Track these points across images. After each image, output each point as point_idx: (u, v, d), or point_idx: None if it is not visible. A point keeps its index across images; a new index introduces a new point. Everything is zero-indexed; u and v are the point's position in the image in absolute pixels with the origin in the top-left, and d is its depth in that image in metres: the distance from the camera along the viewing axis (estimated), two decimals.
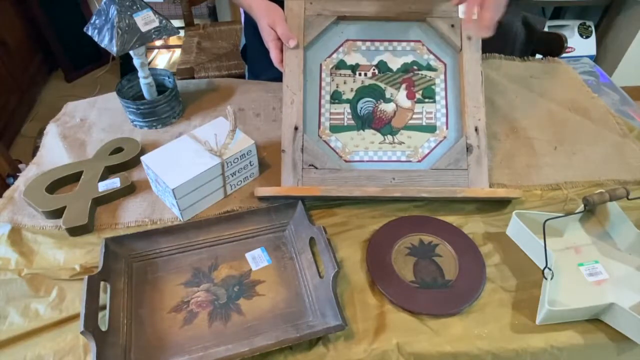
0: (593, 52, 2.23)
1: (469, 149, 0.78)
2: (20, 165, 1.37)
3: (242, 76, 1.51)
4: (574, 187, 0.85)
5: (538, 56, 1.25)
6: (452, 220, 0.78)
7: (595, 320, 0.65)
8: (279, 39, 0.79)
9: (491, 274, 0.71)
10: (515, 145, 0.93)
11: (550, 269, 0.67)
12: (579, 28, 2.21)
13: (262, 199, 0.81)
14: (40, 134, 1.16)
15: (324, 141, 0.79)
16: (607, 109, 1.04)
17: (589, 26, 2.22)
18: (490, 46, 1.21)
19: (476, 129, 0.80)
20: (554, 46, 1.23)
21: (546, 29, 1.38)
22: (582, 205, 0.75)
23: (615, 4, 2.11)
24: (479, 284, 0.69)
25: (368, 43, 0.81)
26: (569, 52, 2.19)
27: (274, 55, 0.80)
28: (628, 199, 0.74)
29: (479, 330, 0.64)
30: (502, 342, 0.63)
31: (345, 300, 0.68)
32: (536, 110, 1.02)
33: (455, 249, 0.74)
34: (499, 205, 0.82)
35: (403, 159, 0.78)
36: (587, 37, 2.22)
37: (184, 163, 0.76)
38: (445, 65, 0.83)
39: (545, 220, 0.70)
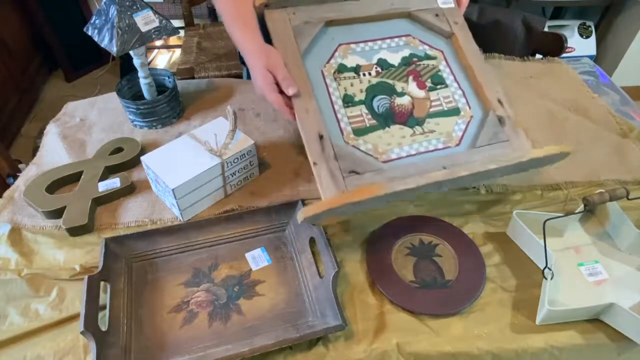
0: (593, 52, 2.23)
1: (501, 120, 0.76)
2: (20, 165, 1.36)
3: (242, 76, 1.51)
4: (574, 187, 0.85)
5: (538, 56, 1.25)
6: (452, 220, 0.78)
7: (595, 320, 0.65)
8: (275, 83, 0.72)
9: (491, 274, 0.71)
10: None
11: (550, 269, 0.67)
12: (579, 28, 2.21)
13: (261, 200, 0.81)
14: (40, 134, 1.16)
15: (353, 146, 0.72)
16: (607, 109, 1.04)
17: (589, 26, 2.22)
18: (490, 46, 1.21)
19: (499, 101, 0.78)
20: (554, 46, 1.23)
21: (546, 29, 1.38)
22: (582, 205, 0.75)
23: (615, 4, 2.11)
24: (479, 284, 0.69)
25: (362, 44, 0.80)
26: (569, 52, 2.19)
27: (273, 98, 0.72)
28: (628, 199, 0.74)
29: (479, 330, 0.64)
30: (502, 342, 0.63)
31: (345, 300, 0.68)
32: (536, 110, 1.02)
33: (455, 249, 0.74)
34: (499, 205, 0.82)
35: (440, 146, 0.74)
36: (587, 37, 2.22)
37: (184, 163, 0.76)
38: (442, 52, 0.82)
39: (545, 220, 0.70)
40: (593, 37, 2.22)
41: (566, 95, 1.06)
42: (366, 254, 0.73)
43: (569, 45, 1.98)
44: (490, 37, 1.26)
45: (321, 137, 0.70)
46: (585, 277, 0.71)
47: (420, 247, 0.75)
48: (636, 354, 0.65)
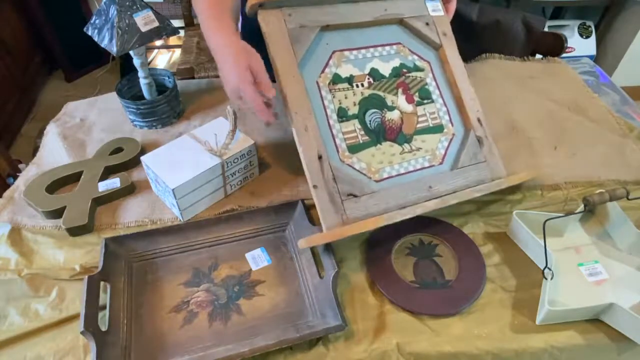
0: (593, 52, 2.23)
1: (480, 141, 0.78)
2: (20, 165, 1.36)
3: None
4: (574, 187, 0.85)
5: (538, 56, 1.25)
6: (452, 220, 0.78)
7: (595, 320, 0.65)
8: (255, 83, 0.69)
9: (491, 274, 0.71)
10: (515, 145, 0.93)
11: (550, 269, 0.67)
12: (579, 28, 2.21)
13: (261, 200, 0.81)
14: (40, 134, 1.16)
15: (348, 165, 0.71)
16: (607, 109, 1.04)
17: (589, 26, 2.22)
18: (490, 46, 1.21)
19: (479, 121, 0.80)
20: (554, 46, 1.23)
21: (546, 29, 1.38)
22: (582, 205, 0.75)
23: (615, 4, 2.12)
24: (479, 284, 0.69)
25: (355, 52, 0.79)
26: (569, 52, 2.19)
27: (253, 97, 0.68)
28: (628, 199, 0.74)
29: (479, 330, 0.64)
30: (502, 342, 0.63)
31: (345, 300, 0.68)
32: (536, 110, 1.02)
33: (455, 249, 0.74)
34: (499, 205, 0.82)
35: (426, 165, 0.76)
36: (587, 37, 2.22)
37: (184, 163, 0.76)
38: (429, 63, 0.83)
39: (545, 220, 0.70)
40: (593, 37, 2.22)
41: (566, 95, 1.06)
42: (366, 254, 0.73)
43: (569, 45, 1.98)
44: (490, 37, 1.26)
45: (320, 157, 0.70)
46: (585, 277, 0.71)
47: (420, 247, 0.75)
48: (636, 354, 0.65)
